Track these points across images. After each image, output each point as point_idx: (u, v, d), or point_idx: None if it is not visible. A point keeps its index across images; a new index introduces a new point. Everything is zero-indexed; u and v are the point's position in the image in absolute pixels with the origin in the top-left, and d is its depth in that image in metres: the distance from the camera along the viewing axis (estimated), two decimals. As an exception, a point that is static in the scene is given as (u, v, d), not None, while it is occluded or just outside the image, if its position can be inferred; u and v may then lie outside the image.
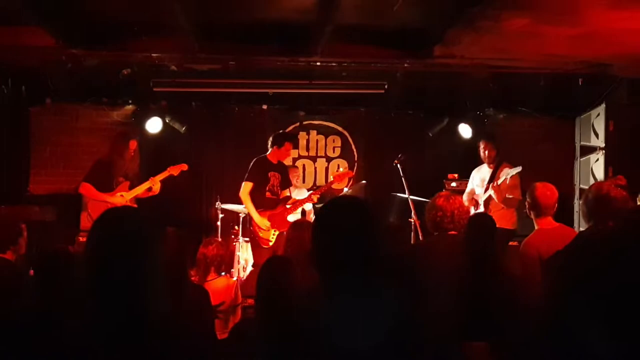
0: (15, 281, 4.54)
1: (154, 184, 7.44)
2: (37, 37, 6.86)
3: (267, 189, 7.62)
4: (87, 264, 2.35)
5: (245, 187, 7.53)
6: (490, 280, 4.16)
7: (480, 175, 7.91)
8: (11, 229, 5.28)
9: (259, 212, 7.49)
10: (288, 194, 7.88)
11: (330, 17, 6.36)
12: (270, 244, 7.46)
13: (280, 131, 8.03)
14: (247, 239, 8.17)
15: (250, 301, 5.66)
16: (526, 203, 5.03)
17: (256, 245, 7.55)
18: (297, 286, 3.69)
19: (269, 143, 7.76)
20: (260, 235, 7.47)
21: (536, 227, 4.93)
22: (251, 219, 7.53)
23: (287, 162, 8.59)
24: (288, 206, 7.75)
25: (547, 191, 4.94)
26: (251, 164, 7.65)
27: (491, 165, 7.77)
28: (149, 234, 2.37)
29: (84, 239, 7.33)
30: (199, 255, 5.61)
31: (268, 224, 7.49)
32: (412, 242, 8.02)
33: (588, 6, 5.75)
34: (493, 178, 7.60)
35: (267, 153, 7.72)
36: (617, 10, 5.74)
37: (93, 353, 2.20)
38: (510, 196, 7.41)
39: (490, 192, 7.51)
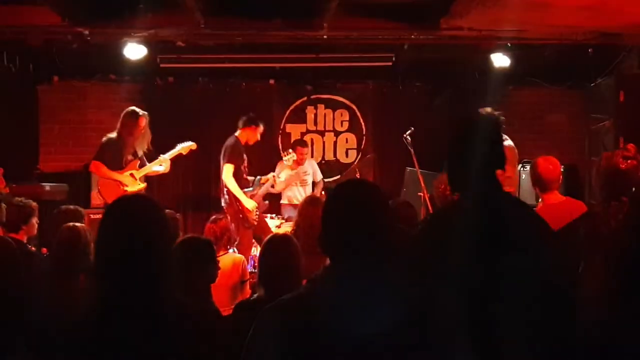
0: (27, 261, 4.56)
1: (164, 162, 7.45)
2: (43, 15, 6.86)
3: (243, 170, 7.83)
4: (98, 251, 2.39)
5: (229, 170, 7.64)
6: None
7: None
8: (23, 208, 5.32)
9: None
10: (271, 176, 8.12)
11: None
12: (255, 223, 7.68)
13: (250, 114, 8.12)
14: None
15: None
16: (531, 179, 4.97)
17: (240, 224, 7.66)
18: (300, 264, 3.71)
19: (241, 123, 7.89)
20: (248, 215, 7.64)
21: (542, 203, 4.87)
22: (237, 199, 7.64)
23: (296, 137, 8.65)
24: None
25: (549, 165, 4.79)
26: (229, 145, 7.75)
27: None
28: (159, 221, 2.40)
29: (95, 217, 7.40)
30: (207, 231, 5.63)
31: (255, 204, 7.71)
32: (421, 216, 8.01)
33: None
34: None
35: (237, 134, 7.85)
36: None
37: (103, 332, 2.23)
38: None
39: None
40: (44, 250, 5.97)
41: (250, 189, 7.88)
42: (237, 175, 7.68)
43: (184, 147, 7.67)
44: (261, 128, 8.00)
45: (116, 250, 2.29)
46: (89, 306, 2.36)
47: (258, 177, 8.06)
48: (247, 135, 7.88)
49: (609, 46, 8.14)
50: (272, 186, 8.21)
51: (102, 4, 7.04)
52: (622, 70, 8.54)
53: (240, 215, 7.63)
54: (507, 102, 9.44)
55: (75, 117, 9.76)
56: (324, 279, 2.12)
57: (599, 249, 3.56)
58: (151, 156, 7.48)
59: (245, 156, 7.89)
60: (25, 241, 5.35)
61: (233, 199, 7.68)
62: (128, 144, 7.24)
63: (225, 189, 7.75)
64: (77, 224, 4.47)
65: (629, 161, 4.13)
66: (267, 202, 8.18)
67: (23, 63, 8.94)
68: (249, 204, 7.66)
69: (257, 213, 7.76)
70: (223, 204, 7.83)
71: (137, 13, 7.15)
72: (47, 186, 8.43)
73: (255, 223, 7.69)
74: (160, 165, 7.45)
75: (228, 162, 7.64)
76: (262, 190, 7.94)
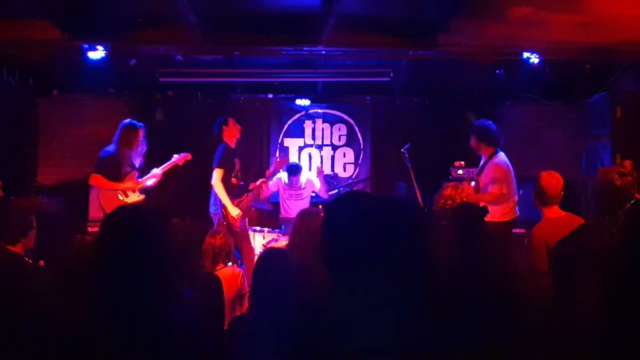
0: (25, 275, 4.57)
1: (157, 175, 7.53)
2: (43, 29, 6.88)
3: (232, 175, 7.86)
4: (98, 260, 2.40)
5: (218, 174, 7.66)
6: (483, 269, 4.17)
7: None
8: (22, 221, 5.31)
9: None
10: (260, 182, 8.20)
11: (334, 6, 6.37)
12: (237, 230, 7.67)
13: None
14: (257, 228, 8.25)
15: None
16: (533, 192, 5.02)
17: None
18: (293, 279, 3.71)
19: (216, 131, 7.96)
20: (232, 222, 7.66)
21: (543, 216, 4.92)
22: (223, 205, 7.69)
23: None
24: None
25: (552, 180, 4.91)
26: (219, 151, 7.79)
27: (483, 153, 7.34)
28: (159, 231, 2.41)
29: (93, 229, 7.41)
30: (207, 245, 5.63)
31: (239, 211, 7.71)
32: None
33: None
34: (481, 170, 7.24)
35: (225, 139, 7.90)
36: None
37: (103, 343, 2.24)
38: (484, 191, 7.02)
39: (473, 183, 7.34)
40: (42, 262, 5.96)
41: (238, 196, 7.91)
42: (225, 181, 7.71)
43: (180, 157, 7.73)
44: (232, 120, 8.00)
45: (116, 259, 2.30)
46: (91, 315, 2.36)
47: (246, 183, 8.11)
48: (229, 134, 7.93)
49: (605, 62, 8.19)
50: (259, 193, 8.25)
51: (102, 18, 7.08)
52: (618, 86, 8.58)
53: (224, 222, 7.66)
54: (503, 118, 9.47)
55: (75, 131, 9.77)
56: (329, 295, 2.08)
57: (593, 262, 3.60)
58: (145, 169, 7.55)
59: (237, 160, 7.96)
60: (22, 254, 5.34)
61: (219, 204, 7.72)
62: (126, 156, 7.30)
63: (214, 195, 7.82)
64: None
65: (624, 178, 4.17)
66: (252, 208, 8.21)
67: (23, 77, 8.97)
68: (234, 211, 7.67)
69: (243, 221, 7.77)
70: (210, 210, 7.88)
71: (137, 28, 7.21)
72: (46, 199, 8.45)
73: (238, 230, 7.66)
74: (154, 177, 7.53)
75: (217, 167, 7.69)
76: (248, 198, 7.99)
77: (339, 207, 2.21)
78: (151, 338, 2.25)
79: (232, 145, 7.92)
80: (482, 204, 6.80)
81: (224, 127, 7.92)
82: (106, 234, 2.42)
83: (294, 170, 8.97)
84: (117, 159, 7.30)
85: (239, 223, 7.70)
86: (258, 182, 8.16)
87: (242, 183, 8.10)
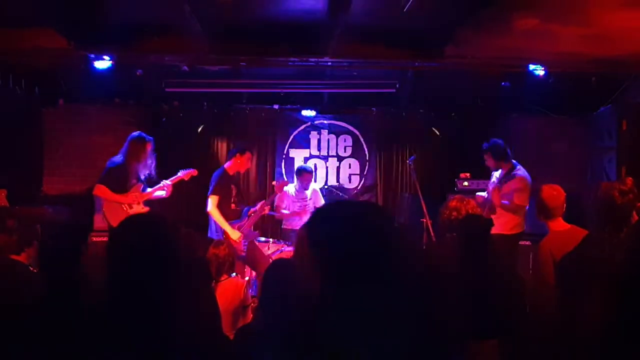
0: (29, 285, 4.56)
1: (166, 187, 7.52)
2: (50, 39, 6.89)
3: (231, 200, 7.90)
4: (109, 269, 2.39)
5: (213, 201, 7.72)
6: (491, 280, 4.15)
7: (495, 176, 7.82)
8: (28, 230, 5.30)
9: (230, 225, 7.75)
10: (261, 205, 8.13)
11: (341, 18, 6.37)
12: (242, 253, 7.65)
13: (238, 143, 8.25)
14: (262, 239, 8.24)
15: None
16: (536, 207, 5.01)
17: None
18: (301, 290, 3.68)
19: (229, 155, 8.07)
20: (234, 246, 7.57)
21: (549, 230, 4.91)
22: (223, 230, 7.70)
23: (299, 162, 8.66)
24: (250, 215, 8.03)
25: (553, 192, 4.89)
26: (214, 177, 7.83)
27: (502, 169, 7.51)
28: (172, 239, 2.41)
29: (98, 239, 7.41)
30: (211, 256, 5.63)
31: (239, 234, 7.73)
32: (423, 242, 8.01)
33: (598, 6, 5.72)
34: (502, 182, 7.37)
35: (226, 165, 7.97)
36: (628, 9, 5.71)
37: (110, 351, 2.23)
38: (506, 202, 7.16)
39: (484, 193, 7.43)
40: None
41: (239, 220, 7.93)
42: (222, 207, 7.74)
43: (185, 173, 7.74)
44: (248, 155, 8.06)
45: (126, 270, 2.29)
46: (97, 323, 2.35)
47: (246, 208, 8.10)
48: (236, 164, 7.98)
49: (612, 74, 8.17)
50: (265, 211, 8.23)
51: (108, 27, 7.10)
52: (625, 98, 8.55)
53: None
54: (509, 130, 9.46)
55: (80, 140, 9.78)
56: (327, 306, 2.07)
57: (596, 274, 3.60)
58: (153, 180, 7.54)
59: (233, 187, 7.98)
60: (27, 263, 5.33)
61: (220, 230, 7.74)
62: (133, 168, 7.30)
63: (212, 222, 7.84)
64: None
65: (625, 196, 4.16)
66: (257, 232, 8.19)
67: (29, 86, 8.98)
68: (234, 234, 7.68)
69: (245, 243, 7.75)
70: (210, 235, 7.86)
71: (143, 38, 7.22)
72: (51, 208, 8.43)
73: (243, 253, 7.66)
74: (163, 190, 7.51)
75: (212, 194, 7.74)
76: (250, 222, 7.98)
77: (316, 223, 2.18)
78: (161, 344, 2.24)
79: (231, 173, 7.96)
80: (497, 210, 6.96)
81: (237, 155, 7.97)
82: (118, 242, 2.41)
83: (304, 171, 8.96)
84: (124, 171, 7.29)
85: (241, 247, 7.70)
86: (258, 206, 8.11)
87: (242, 208, 8.10)
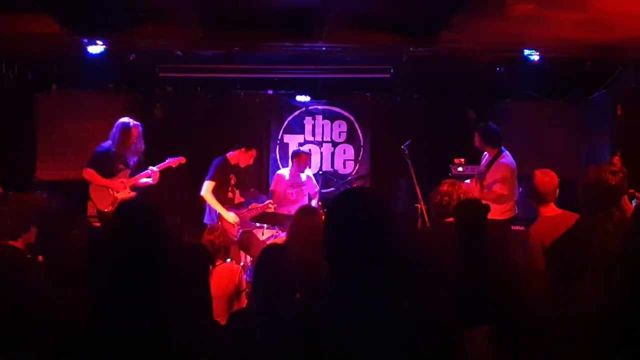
0: (26, 271, 4.56)
1: (152, 174, 7.54)
2: (42, 24, 6.87)
3: (228, 189, 7.90)
4: (106, 255, 2.39)
5: (209, 186, 7.72)
6: (486, 266, 4.16)
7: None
8: (24, 216, 5.30)
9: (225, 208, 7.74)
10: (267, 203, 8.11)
11: (335, 2, 6.34)
12: (235, 239, 7.66)
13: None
14: (256, 224, 8.23)
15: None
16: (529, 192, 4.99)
17: None
18: (294, 275, 3.69)
19: (238, 145, 8.02)
20: (229, 230, 7.55)
21: (539, 215, 4.89)
22: (218, 214, 7.69)
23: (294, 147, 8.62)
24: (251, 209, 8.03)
25: (545, 177, 4.81)
26: (214, 164, 7.83)
27: (487, 153, 7.35)
28: (164, 225, 2.42)
29: (98, 224, 7.42)
30: (205, 241, 5.63)
31: (236, 218, 7.73)
32: (418, 228, 8.01)
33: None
34: (488, 168, 7.18)
35: (229, 154, 7.95)
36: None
37: (103, 337, 2.23)
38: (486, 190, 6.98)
39: (467, 181, 7.29)
40: (40, 258, 5.95)
41: (237, 209, 7.92)
42: (218, 194, 7.74)
43: (173, 160, 7.76)
44: (253, 152, 8.07)
45: (117, 254, 2.30)
46: (90, 312, 2.35)
47: (251, 201, 8.12)
48: (238, 157, 7.98)
49: (606, 60, 8.17)
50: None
51: (101, 12, 7.05)
52: (619, 84, 8.56)
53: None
54: (504, 115, 9.45)
55: (73, 126, 9.74)
56: (328, 294, 2.07)
57: (588, 258, 3.62)
58: (142, 166, 7.57)
59: (232, 176, 7.96)
60: (23, 249, 5.33)
61: (215, 214, 7.73)
62: (120, 153, 7.38)
63: (208, 207, 7.83)
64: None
65: (617, 175, 4.18)
66: (254, 224, 8.17)
67: (21, 71, 8.94)
68: (229, 217, 7.68)
69: (240, 229, 7.77)
70: (205, 221, 7.85)
71: (136, 23, 7.19)
72: (45, 194, 8.41)
73: (236, 239, 7.68)
74: (149, 176, 7.54)
75: (209, 179, 7.74)
76: (249, 214, 7.97)
77: (341, 204, 2.19)
78: (153, 331, 2.24)
79: (232, 162, 7.95)
80: (483, 202, 6.84)
81: (243, 149, 7.97)
82: (115, 227, 2.41)
83: (301, 153, 8.93)
84: (110, 156, 7.39)
85: (235, 232, 7.70)
86: (262, 204, 8.10)
87: (247, 200, 8.11)
